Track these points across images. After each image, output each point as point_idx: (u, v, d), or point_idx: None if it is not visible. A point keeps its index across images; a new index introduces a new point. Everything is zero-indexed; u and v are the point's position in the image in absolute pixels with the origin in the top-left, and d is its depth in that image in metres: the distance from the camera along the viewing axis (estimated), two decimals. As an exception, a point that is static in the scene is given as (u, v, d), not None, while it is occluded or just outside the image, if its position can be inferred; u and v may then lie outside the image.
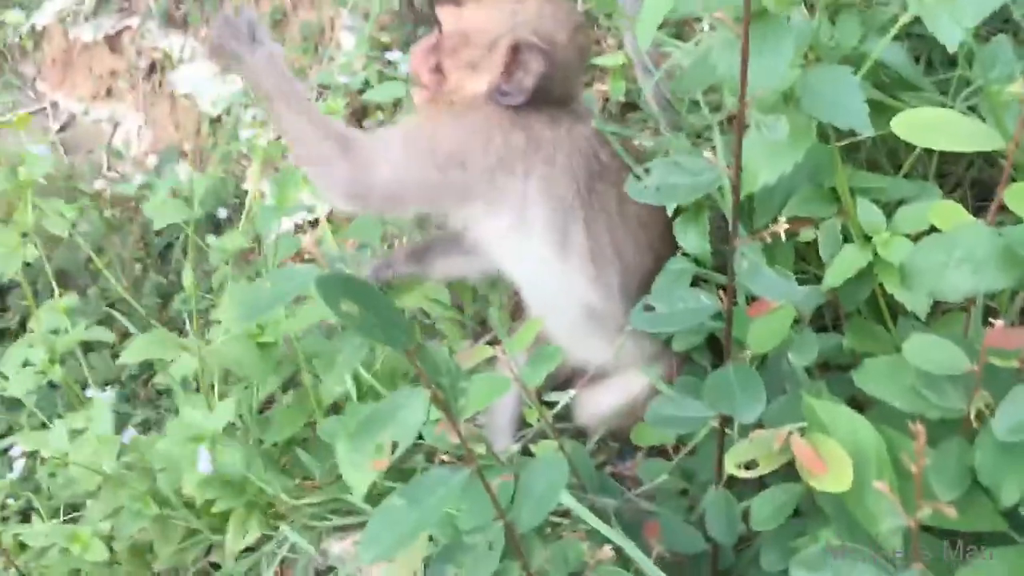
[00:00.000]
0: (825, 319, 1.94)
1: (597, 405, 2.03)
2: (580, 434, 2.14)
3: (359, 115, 3.14)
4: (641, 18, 1.58)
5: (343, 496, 1.92)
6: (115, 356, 3.49)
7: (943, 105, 1.89)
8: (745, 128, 1.39)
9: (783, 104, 1.68)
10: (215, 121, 3.88)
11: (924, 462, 1.13)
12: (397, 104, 2.78)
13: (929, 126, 1.50)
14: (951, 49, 1.60)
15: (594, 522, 1.37)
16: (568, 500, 1.39)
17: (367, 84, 2.95)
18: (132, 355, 2.10)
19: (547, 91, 1.92)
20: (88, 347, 3.23)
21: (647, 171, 1.44)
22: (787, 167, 1.64)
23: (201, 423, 1.74)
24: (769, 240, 1.39)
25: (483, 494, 1.24)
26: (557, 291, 1.98)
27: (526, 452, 1.87)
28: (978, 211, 1.97)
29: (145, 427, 2.93)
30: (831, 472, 1.35)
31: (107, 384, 2.88)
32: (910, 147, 1.86)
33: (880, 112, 1.84)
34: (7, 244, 3.55)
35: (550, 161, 1.90)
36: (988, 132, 1.47)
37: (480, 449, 1.54)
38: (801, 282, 1.88)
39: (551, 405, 1.81)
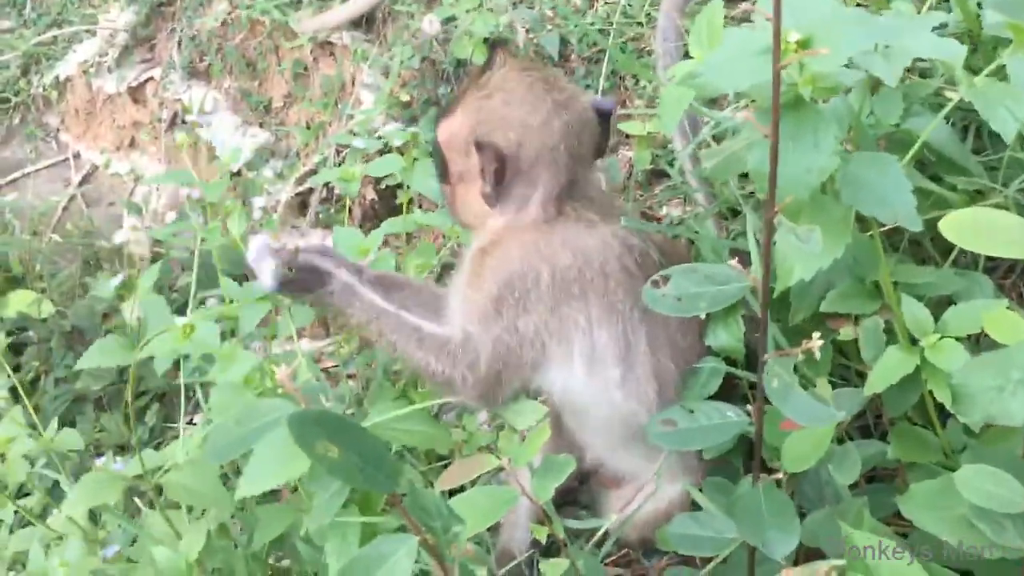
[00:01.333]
0: (867, 418, 1.79)
1: (626, 511, 1.86)
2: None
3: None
4: (662, 108, 1.46)
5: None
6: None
7: (993, 189, 1.75)
8: (775, 229, 1.27)
9: (821, 194, 1.55)
10: (236, 175, 3.80)
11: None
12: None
13: (980, 229, 1.36)
14: (1007, 140, 1.46)
15: None
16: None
17: (386, 147, 2.85)
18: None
19: (547, 181, 1.77)
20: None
21: (665, 279, 1.31)
22: (825, 263, 1.51)
23: (170, 563, 1.58)
24: (801, 357, 1.25)
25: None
26: (612, 412, 1.79)
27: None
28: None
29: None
30: (874, 624, 1.20)
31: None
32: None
33: (924, 196, 1.72)
34: (23, 301, 3.51)
35: (603, 273, 1.72)
36: (1049, 236, 1.32)
37: (482, 573, 1.40)
38: (842, 380, 1.75)
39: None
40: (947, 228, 1.37)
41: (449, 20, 2.96)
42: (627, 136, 2.58)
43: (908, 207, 1.43)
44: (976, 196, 1.79)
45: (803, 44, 1.25)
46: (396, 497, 1.03)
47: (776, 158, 1.19)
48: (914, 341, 1.56)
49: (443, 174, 1.89)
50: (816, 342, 1.25)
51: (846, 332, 1.65)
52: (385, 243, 2.58)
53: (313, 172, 3.32)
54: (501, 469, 1.51)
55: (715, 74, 1.28)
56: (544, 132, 1.74)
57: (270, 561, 1.87)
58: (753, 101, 1.51)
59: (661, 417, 1.39)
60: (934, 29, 1.71)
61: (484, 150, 1.74)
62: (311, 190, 3.35)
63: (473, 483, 1.54)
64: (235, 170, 3.79)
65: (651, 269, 1.66)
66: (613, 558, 2.02)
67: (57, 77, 4.21)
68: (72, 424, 3.38)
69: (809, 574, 1.28)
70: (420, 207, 2.75)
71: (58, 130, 4.33)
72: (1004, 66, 1.62)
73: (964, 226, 1.37)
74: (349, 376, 2.90)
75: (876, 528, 1.41)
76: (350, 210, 3.15)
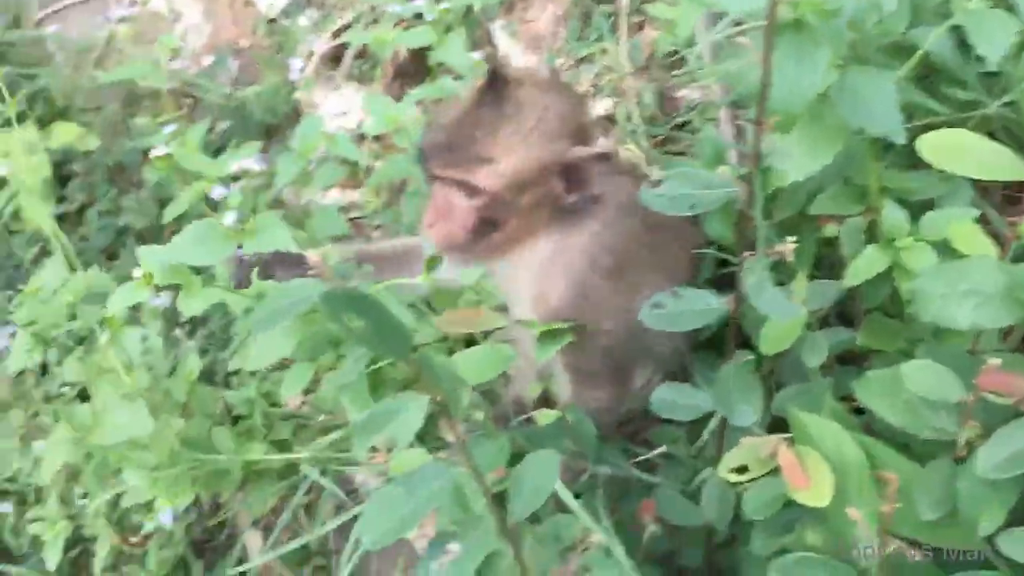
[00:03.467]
0: (847, 309, 1.96)
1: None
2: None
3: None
4: (678, 19, 1.57)
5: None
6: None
7: (981, 104, 1.85)
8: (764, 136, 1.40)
9: (818, 104, 1.67)
10: (272, 22, 3.88)
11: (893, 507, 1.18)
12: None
13: (955, 150, 1.49)
14: (992, 63, 1.56)
15: (583, 517, 1.45)
16: (563, 493, 1.45)
17: (419, 16, 2.93)
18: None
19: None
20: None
21: (660, 181, 1.45)
22: (816, 168, 1.64)
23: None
24: (775, 260, 1.41)
25: (477, 488, 1.32)
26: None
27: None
28: (1011, 208, 1.95)
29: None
30: (813, 486, 1.41)
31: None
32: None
33: (917, 106, 1.83)
34: (69, 134, 3.66)
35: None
36: (1014, 162, 1.45)
37: (479, 416, 1.61)
38: (825, 272, 1.91)
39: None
40: (924, 147, 1.51)
41: None
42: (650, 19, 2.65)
43: (895, 120, 1.54)
44: (966, 107, 1.89)
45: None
46: (411, 361, 1.22)
47: (768, 80, 1.31)
48: (891, 242, 1.72)
49: (489, 222, 1.78)
50: (789, 246, 1.41)
51: (830, 230, 1.80)
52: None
53: (348, 26, 3.39)
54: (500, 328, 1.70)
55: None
56: (588, 122, 1.84)
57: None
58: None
59: (652, 301, 1.56)
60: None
61: (583, 161, 1.74)
62: (346, 45, 3.42)
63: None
64: (271, 18, 3.87)
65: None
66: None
67: (98, -89, 4.22)
68: (115, 257, 3.58)
69: (765, 443, 1.49)
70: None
71: (98, -36, 4.38)
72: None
73: (940, 146, 1.50)
74: (376, 227, 3.09)
75: (835, 406, 1.60)
76: (383, 68, 3.25)
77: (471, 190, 1.73)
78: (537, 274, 1.82)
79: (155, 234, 3.66)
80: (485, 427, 1.66)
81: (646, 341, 1.88)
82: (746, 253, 1.46)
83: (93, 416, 2.04)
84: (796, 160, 1.64)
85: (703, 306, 1.53)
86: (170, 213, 2.71)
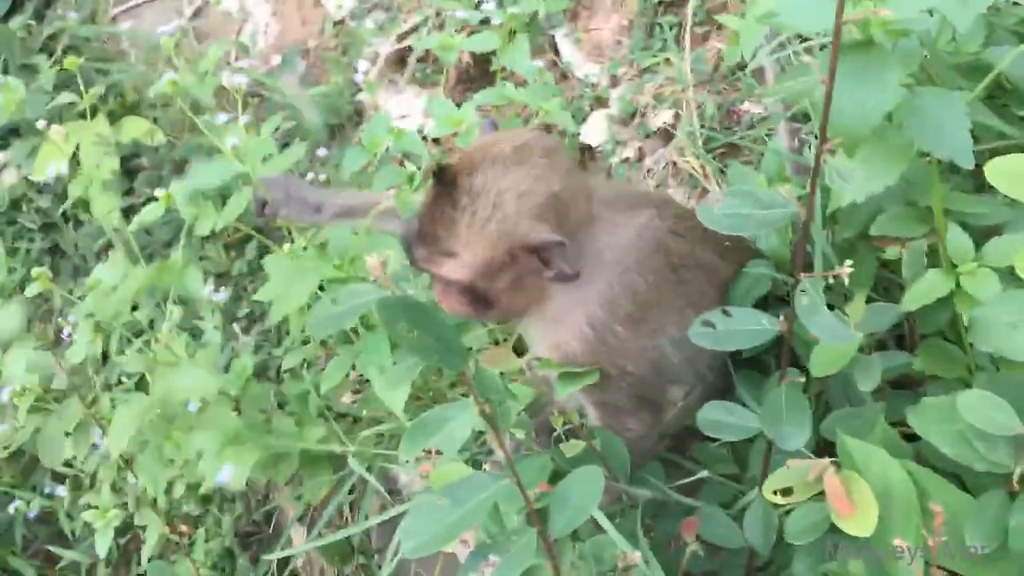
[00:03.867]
0: (904, 333, 1.92)
1: None
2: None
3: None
4: (743, 35, 1.55)
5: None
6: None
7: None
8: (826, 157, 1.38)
9: (885, 123, 1.65)
10: (339, 23, 3.93)
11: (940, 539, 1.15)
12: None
13: (1022, 176, 1.45)
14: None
15: (617, 539, 1.43)
16: (597, 514, 1.44)
17: (486, 17, 2.94)
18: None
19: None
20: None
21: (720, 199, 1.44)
22: (878, 188, 1.62)
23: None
24: (831, 282, 1.39)
25: (521, 502, 1.32)
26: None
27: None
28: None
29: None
30: (857, 514, 1.38)
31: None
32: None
33: (987, 128, 1.79)
34: (138, 128, 3.75)
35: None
36: (1086, 190, 1.41)
37: (521, 435, 1.61)
38: (882, 295, 1.88)
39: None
40: (991, 173, 1.47)
41: None
42: (719, 27, 2.63)
43: (964, 145, 1.50)
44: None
45: (877, -4, 1.33)
46: (465, 374, 1.23)
47: (829, 102, 1.30)
48: (953, 267, 1.68)
49: (479, 301, 1.75)
50: (846, 269, 1.39)
51: (892, 251, 1.77)
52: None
53: (414, 30, 3.42)
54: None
55: (789, 16, 1.37)
56: (561, 187, 1.69)
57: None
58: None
59: (703, 319, 1.54)
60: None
61: (543, 246, 1.66)
62: (410, 48, 3.45)
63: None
64: (338, 19, 3.92)
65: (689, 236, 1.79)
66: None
67: (172, -88, 4.32)
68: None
69: (811, 466, 1.46)
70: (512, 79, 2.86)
71: (172, -38, 4.48)
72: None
73: (1008, 172, 1.46)
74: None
75: (886, 431, 1.58)
76: (447, 72, 3.27)
77: (445, 281, 1.73)
78: (552, 324, 1.78)
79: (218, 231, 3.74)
80: (528, 445, 1.66)
81: (673, 373, 1.86)
82: (802, 274, 1.43)
83: (159, 382, 2.12)
84: (858, 180, 1.61)
85: (755, 326, 1.51)
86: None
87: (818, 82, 1.33)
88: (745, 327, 1.51)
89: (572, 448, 1.61)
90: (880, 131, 1.61)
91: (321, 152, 3.25)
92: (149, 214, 2.37)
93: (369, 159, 2.38)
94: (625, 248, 1.76)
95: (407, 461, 1.27)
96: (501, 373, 1.55)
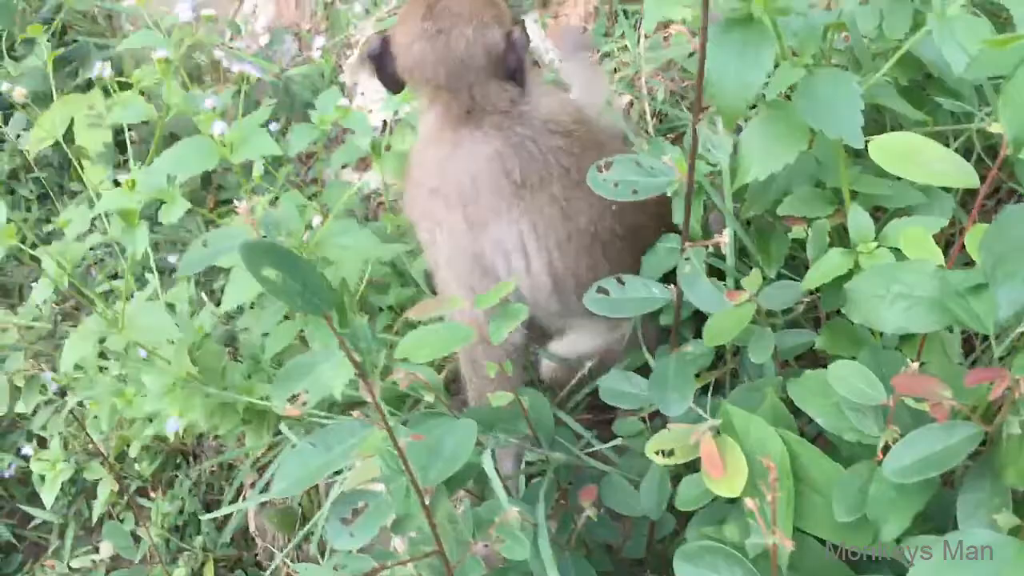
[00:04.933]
0: (819, 311, 1.96)
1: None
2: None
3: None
4: (646, 9, 1.60)
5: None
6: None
7: (963, 117, 1.83)
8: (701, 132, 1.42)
9: (783, 101, 1.69)
10: (329, 5, 3.99)
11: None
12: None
13: (905, 154, 1.48)
14: (956, 71, 1.55)
15: (499, 492, 1.48)
16: (487, 464, 1.49)
17: None
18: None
19: (435, 100, 2.03)
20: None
21: (608, 165, 1.48)
22: (777, 167, 1.66)
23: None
24: (711, 249, 1.43)
25: (392, 449, 1.37)
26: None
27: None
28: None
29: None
30: (727, 476, 1.43)
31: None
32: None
33: (907, 120, 1.82)
34: (132, 102, 3.83)
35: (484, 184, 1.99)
36: (964, 170, 1.44)
37: (429, 398, 1.66)
38: (792, 272, 1.91)
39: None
40: (875, 151, 1.50)
41: None
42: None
43: (854, 125, 1.53)
44: (961, 119, 1.87)
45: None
46: (327, 317, 1.28)
47: (703, 73, 1.34)
48: (855, 246, 1.71)
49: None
50: (724, 238, 1.43)
51: (798, 231, 1.80)
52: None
53: (393, 14, 3.48)
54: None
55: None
56: (413, 53, 1.98)
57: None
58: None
59: (598, 285, 1.59)
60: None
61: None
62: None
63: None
64: (329, 1, 3.99)
65: (550, 169, 1.95)
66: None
67: None
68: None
69: (690, 430, 1.51)
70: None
71: (174, -58, 4.56)
72: None
73: (890, 150, 1.49)
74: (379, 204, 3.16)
75: (775, 403, 1.61)
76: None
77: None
78: None
79: (200, 202, 3.82)
80: (435, 406, 1.71)
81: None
82: (685, 244, 1.48)
83: (121, 315, 2.15)
84: (759, 158, 1.65)
85: (646, 294, 1.56)
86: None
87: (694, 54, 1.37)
88: (636, 295, 1.56)
89: (499, 399, 1.66)
90: (780, 109, 1.65)
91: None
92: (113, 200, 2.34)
93: (319, 137, 2.43)
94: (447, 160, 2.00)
95: (280, 410, 1.32)
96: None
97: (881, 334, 1.63)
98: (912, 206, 1.79)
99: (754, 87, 1.43)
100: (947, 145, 1.79)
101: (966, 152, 1.89)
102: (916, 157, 1.48)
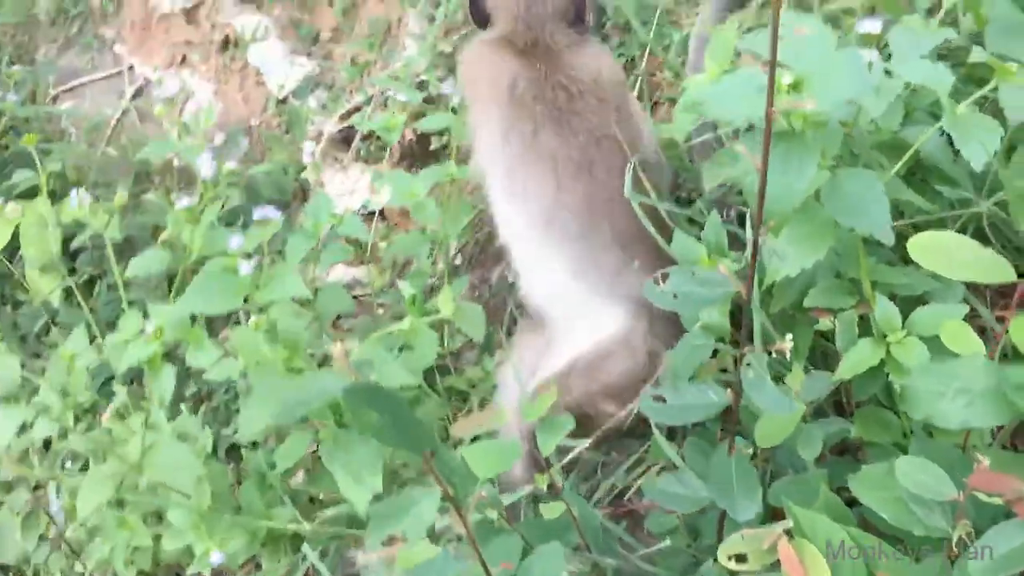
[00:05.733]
0: (841, 398, 2.01)
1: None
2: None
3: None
4: (676, 118, 1.65)
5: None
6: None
7: (971, 203, 1.93)
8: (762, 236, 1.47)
9: (811, 202, 1.75)
10: (281, 103, 3.99)
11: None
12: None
13: (943, 252, 1.55)
14: (977, 169, 1.64)
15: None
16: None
17: (428, 96, 3.03)
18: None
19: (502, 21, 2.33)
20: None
21: (664, 276, 1.52)
22: (807, 264, 1.71)
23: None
24: (775, 355, 1.47)
25: (484, 579, 1.36)
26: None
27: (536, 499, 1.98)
28: (1002, 300, 2.01)
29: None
30: (811, 581, 1.45)
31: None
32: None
33: (908, 204, 1.91)
34: (80, 208, 3.73)
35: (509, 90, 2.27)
36: (1000, 264, 1.52)
37: (492, 515, 1.65)
38: (820, 363, 1.97)
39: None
40: (914, 249, 1.58)
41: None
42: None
43: (884, 221, 1.61)
44: (957, 205, 1.97)
45: (795, 86, 1.44)
46: (426, 455, 1.27)
47: (764, 189, 1.39)
48: (883, 337, 1.77)
49: None
50: (787, 344, 1.47)
51: (825, 323, 1.86)
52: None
53: (357, 109, 3.50)
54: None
55: (717, 105, 1.47)
56: None
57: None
58: (750, 128, 1.68)
59: (653, 392, 1.61)
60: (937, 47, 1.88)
61: None
62: (353, 127, 3.52)
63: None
64: (281, 98, 3.98)
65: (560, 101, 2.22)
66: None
67: (116, -8, 4.37)
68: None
69: (764, 535, 1.53)
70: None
71: (114, 42, 4.51)
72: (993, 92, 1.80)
73: (929, 248, 1.57)
74: (380, 306, 3.15)
75: (829, 497, 1.65)
76: (391, 150, 3.35)
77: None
78: None
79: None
80: (497, 522, 1.70)
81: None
82: (746, 348, 1.51)
83: (141, 452, 2.09)
84: (790, 256, 1.71)
85: (705, 400, 1.58)
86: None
87: (752, 169, 1.42)
88: (696, 401, 1.59)
89: (551, 510, 1.65)
90: (808, 209, 1.72)
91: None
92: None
93: (313, 244, 2.41)
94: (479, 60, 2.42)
95: (376, 550, 1.30)
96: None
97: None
98: (925, 292, 1.87)
99: (801, 193, 1.48)
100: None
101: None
102: (954, 254, 1.56)
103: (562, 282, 2.29)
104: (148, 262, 2.48)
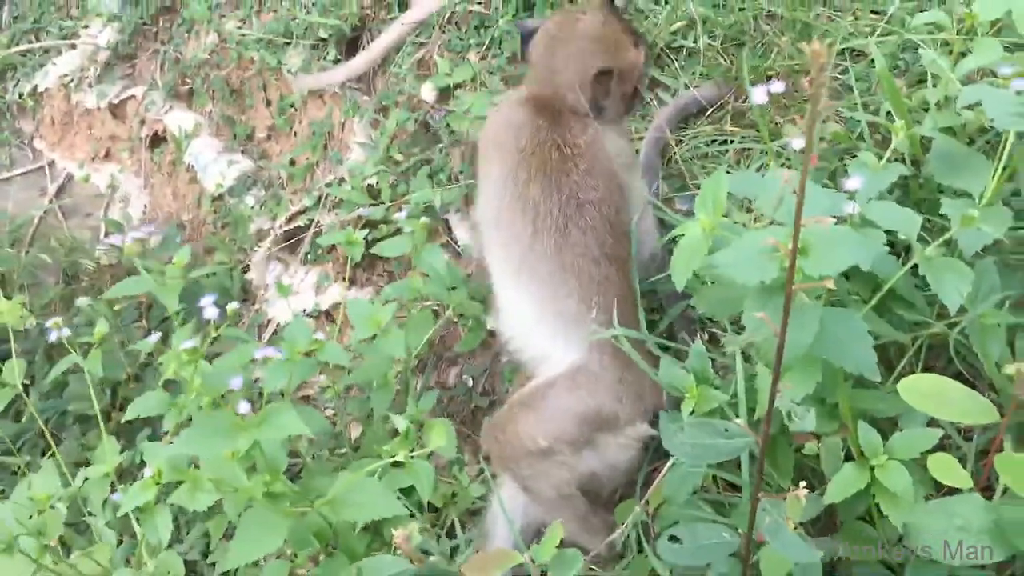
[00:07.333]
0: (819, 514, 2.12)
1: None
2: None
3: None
4: (674, 264, 1.75)
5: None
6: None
7: (930, 325, 2.08)
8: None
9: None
10: (217, 199, 3.95)
11: None
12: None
13: (934, 396, 1.68)
14: (951, 310, 1.79)
15: None
16: None
17: (385, 219, 3.09)
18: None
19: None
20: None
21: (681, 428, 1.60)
22: (797, 397, 1.82)
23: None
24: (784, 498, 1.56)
25: None
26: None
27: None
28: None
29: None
30: None
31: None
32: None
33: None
34: (11, 313, 3.62)
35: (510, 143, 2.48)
36: (984, 407, 1.66)
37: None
38: (797, 475, 2.07)
39: None
40: (904, 391, 1.70)
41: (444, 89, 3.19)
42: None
43: (869, 359, 1.73)
44: (917, 327, 2.12)
45: (802, 252, 1.54)
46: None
47: (782, 353, 1.49)
48: (866, 459, 1.89)
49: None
50: (802, 491, 1.57)
51: (811, 447, 1.98)
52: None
53: (303, 212, 3.50)
54: (521, 564, 1.80)
55: (734, 272, 1.57)
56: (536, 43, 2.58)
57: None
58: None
59: (669, 533, 1.69)
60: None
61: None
62: (299, 228, 3.52)
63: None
64: (217, 196, 3.94)
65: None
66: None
67: (35, 87, 4.27)
68: (58, 441, 3.51)
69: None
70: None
71: (32, 137, 4.40)
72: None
73: (921, 392, 1.70)
74: (331, 412, 3.14)
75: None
76: (342, 258, 3.36)
77: None
78: None
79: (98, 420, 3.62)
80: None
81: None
82: (761, 494, 1.60)
83: None
84: (784, 395, 1.82)
85: (719, 540, 1.67)
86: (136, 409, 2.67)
87: (770, 334, 1.52)
88: (711, 541, 1.67)
89: None
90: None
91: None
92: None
93: (293, 370, 2.40)
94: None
95: None
96: None
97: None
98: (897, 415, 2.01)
99: (802, 348, 1.59)
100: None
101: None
102: (942, 396, 1.69)
103: (529, 325, 2.46)
104: (149, 404, 2.42)
